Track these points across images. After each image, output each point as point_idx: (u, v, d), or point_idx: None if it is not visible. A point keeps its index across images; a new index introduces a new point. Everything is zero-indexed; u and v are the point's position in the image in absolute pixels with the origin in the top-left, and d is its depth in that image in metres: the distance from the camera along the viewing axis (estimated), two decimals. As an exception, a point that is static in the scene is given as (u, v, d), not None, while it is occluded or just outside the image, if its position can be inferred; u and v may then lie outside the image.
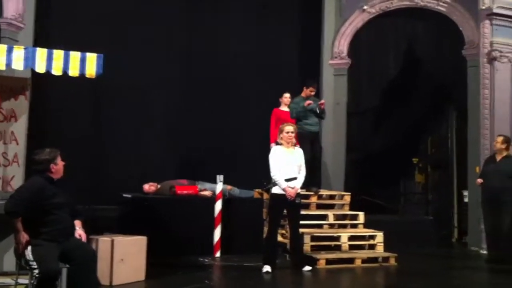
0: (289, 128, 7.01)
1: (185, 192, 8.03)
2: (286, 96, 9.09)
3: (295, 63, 10.62)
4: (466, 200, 9.75)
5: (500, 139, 8.19)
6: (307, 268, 6.92)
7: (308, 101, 8.15)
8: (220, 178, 7.86)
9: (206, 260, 7.45)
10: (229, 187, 8.37)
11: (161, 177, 8.42)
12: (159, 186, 8.20)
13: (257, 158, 9.51)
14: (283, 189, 6.77)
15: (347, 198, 8.52)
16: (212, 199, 7.90)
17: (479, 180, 8.19)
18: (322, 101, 8.49)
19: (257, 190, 8.68)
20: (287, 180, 6.80)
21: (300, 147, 7.55)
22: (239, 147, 9.70)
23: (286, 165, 6.85)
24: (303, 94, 8.42)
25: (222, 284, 6.52)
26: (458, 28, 9.87)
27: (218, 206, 7.81)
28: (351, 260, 7.46)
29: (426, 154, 11.29)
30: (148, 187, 8.14)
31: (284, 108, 9.10)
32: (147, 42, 9.30)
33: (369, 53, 10.69)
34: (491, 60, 9.49)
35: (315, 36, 10.61)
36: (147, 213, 7.54)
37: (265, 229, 8.30)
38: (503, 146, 8.13)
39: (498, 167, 8.02)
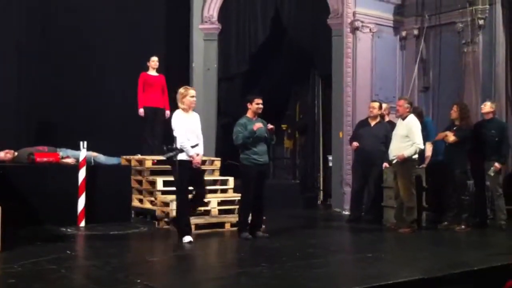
0: (193, 92, 6.70)
1: (45, 159, 7.55)
2: (154, 59, 8.85)
3: (163, 26, 10.34)
4: (330, 164, 10.19)
5: (376, 104, 8.58)
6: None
7: (258, 124, 6.76)
8: (83, 144, 7.46)
9: (69, 230, 7.09)
10: (94, 154, 8.03)
11: (18, 144, 7.85)
12: (16, 153, 7.66)
13: (123, 123, 9.24)
14: (191, 156, 6.50)
15: (217, 163, 8.53)
16: (76, 167, 7.51)
17: (355, 144, 8.47)
18: (271, 126, 6.93)
19: (124, 157, 8.40)
20: (192, 147, 6.55)
21: (243, 185, 6.98)
22: (104, 112, 9.30)
23: (189, 131, 6.58)
24: (249, 114, 6.99)
25: (85, 253, 6.24)
26: (324, -3, 10.14)
27: (82, 173, 7.43)
28: (220, 225, 7.51)
29: (294, 120, 11.64)
30: (4, 154, 7.60)
31: (152, 72, 8.86)
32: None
33: (238, 19, 10.67)
34: (354, 29, 9.91)
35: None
36: (3, 182, 6.99)
37: (134, 197, 8.13)
38: (380, 112, 8.55)
39: (373, 131, 8.40)
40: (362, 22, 9.93)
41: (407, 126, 7.60)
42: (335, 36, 10.05)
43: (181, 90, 6.70)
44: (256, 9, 10.62)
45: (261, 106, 6.91)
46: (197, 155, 6.59)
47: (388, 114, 8.96)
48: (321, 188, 10.84)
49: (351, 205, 8.79)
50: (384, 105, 8.88)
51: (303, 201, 10.22)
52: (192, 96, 6.63)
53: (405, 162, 7.54)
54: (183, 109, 6.64)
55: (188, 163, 6.54)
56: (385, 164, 8.16)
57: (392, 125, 8.32)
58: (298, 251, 6.24)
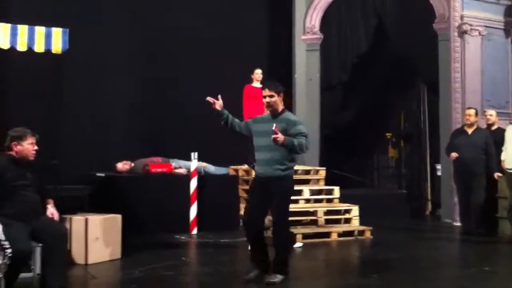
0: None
1: (159, 170, 7.94)
2: (258, 72, 9.00)
3: (266, 38, 10.52)
4: (439, 173, 9.86)
5: (473, 111, 8.24)
6: (298, 244, 6.88)
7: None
8: (194, 155, 7.77)
9: (182, 237, 7.40)
10: (203, 164, 8.31)
11: (133, 156, 8.29)
12: (132, 164, 8.09)
13: (230, 135, 9.43)
14: None
15: (322, 173, 8.54)
16: (187, 177, 7.82)
17: (454, 154, 8.15)
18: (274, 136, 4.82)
19: (232, 167, 8.63)
20: None
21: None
22: (213, 124, 9.56)
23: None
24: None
25: (198, 260, 6.48)
26: (428, 1, 9.88)
27: (194, 183, 7.74)
28: (327, 234, 7.50)
29: (399, 129, 11.41)
30: (122, 165, 8.03)
31: (256, 84, 9.01)
32: (105, 17, 8.98)
33: (340, 28, 10.64)
34: (462, 33, 9.56)
35: (285, 10, 10.49)
36: (121, 192, 7.43)
37: (242, 206, 8.29)
38: (477, 119, 8.22)
39: (471, 140, 8.04)
40: (470, 25, 9.56)
41: None
42: (441, 40, 9.76)
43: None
44: (357, 17, 10.56)
45: (267, 99, 5.06)
46: None
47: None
48: (429, 198, 10.50)
49: (461, 216, 8.44)
50: (493, 112, 8.49)
51: (410, 211, 9.95)
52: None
53: None
54: None
55: None
56: (497, 174, 7.77)
57: (499, 132, 7.92)
58: (407, 263, 6.10)
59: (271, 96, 5.03)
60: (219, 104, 5.19)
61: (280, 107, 5.08)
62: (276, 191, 4.97)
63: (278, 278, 4.98)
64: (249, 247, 5.19)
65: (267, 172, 4.98)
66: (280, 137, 4.76)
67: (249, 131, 5.20)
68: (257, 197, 5.05)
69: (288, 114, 5.12)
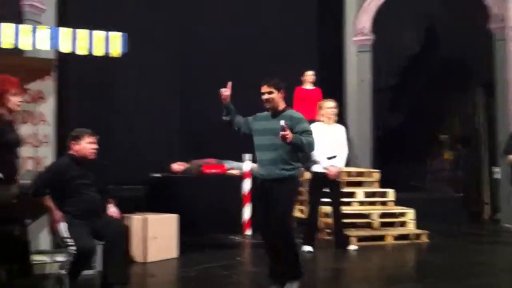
0: (330, 103, 6.67)
1: (213, 171, 8.03)
2: (309, 74, 8.99)
3: (316, 40, 10.45)
4: (497, 176, 9.60)
5: None
6: (353, 247, 6.83)
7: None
8: (248, 156, 7.81)
9: (236, 238, 7.46)
10: (255, 165, 8.33)
11: (188, 156, 8.40)
12: (187, 165, 8.20)
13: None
14: (325, 168, 6.51)
15: (376, 175, 8.41)
16: (240, 178, 7.87)
17: (511, 157, 7.94)
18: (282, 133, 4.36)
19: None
20: (329, 158, 6.54)
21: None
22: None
23: (327, 142, 6.52)
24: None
25: (253, 261, 6.47)
26: (482, 1, 9.66)
27: (247, 184, 7.78)
28: (382, 237, 7.38)
29: (454, 131, 11.16)
30: (177, 166, 8.16)
31: (308, 86, 9.00)
32: (159, 21, 9.15)
33: (392, 29, 10.48)
34: (519, 33, 9.30)
35: (335, 11, 10.42)
36: (176, 192, 7.53)
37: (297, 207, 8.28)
38: None
39: None
40: (527, 25, 9.30)
41: None
42: (497, 40, 9.56)
43: (320, 102, 6.81)
44: (408, 18, 10.39)
45: (266, 96, 4.70)
46: (334, 167, 6.53)
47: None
48: (488, 202, 10.22)
49: (521, 221, 8.20)
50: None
51: (468, 215, 9.70)
52: (330, 108, 6.58)
53: None
54: (322, 121, 6.65)
55: (321, 175, 6.54)
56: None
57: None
58: (465, 268, 5.95)
59: (269, 93, 4.66)
60: (224, 95, 4.89)
61: (281, 104, 4.70)
62: (279, 192, 4.55)
63: (293, 286, 4.62)
64: (268, 259, 4.75)
65: (271, 173, 4.59)
66: (290, 134, 4.38)
67: (249, 129, 4.85)
68: (265, 202, 4.66)
69: (291, 111, 4.73)
